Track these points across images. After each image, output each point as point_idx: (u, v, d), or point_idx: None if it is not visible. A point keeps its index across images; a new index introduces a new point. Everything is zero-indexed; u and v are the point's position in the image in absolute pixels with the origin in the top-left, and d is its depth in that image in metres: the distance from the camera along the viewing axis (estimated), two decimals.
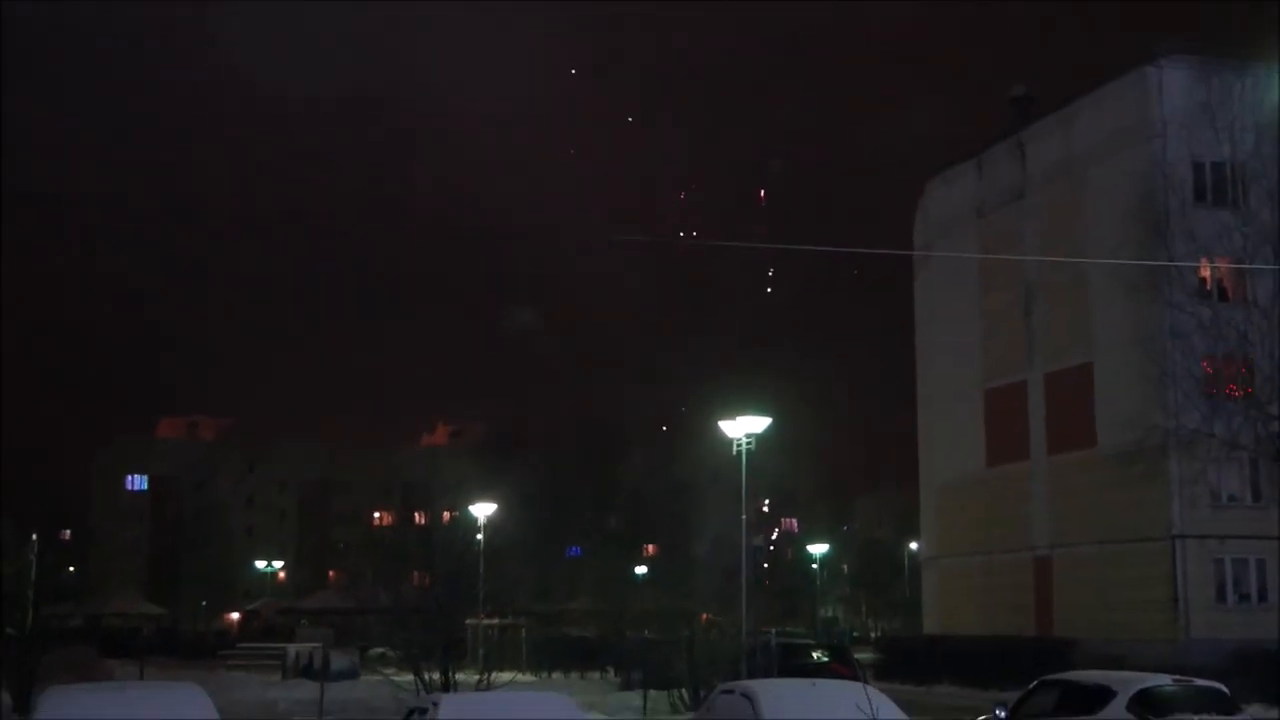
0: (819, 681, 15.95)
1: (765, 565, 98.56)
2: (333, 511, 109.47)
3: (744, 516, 31.95)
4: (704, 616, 40.58)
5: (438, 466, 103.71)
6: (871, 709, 11.66)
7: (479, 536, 36.93)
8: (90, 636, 41.45)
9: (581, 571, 71.71)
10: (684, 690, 29.47)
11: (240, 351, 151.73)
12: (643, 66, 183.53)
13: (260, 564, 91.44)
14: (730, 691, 15.30)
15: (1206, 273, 38.52)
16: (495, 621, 45.15)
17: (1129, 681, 16.98)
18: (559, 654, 48.80)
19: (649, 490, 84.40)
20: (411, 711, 14.42)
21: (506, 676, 31.83)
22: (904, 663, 43.87)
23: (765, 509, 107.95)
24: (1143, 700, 16.22)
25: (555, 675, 45.25)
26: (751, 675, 25.29)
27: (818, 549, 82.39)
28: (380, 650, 39.16)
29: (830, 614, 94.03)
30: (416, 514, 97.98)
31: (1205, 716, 16.09)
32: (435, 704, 13.78)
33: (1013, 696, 18.50)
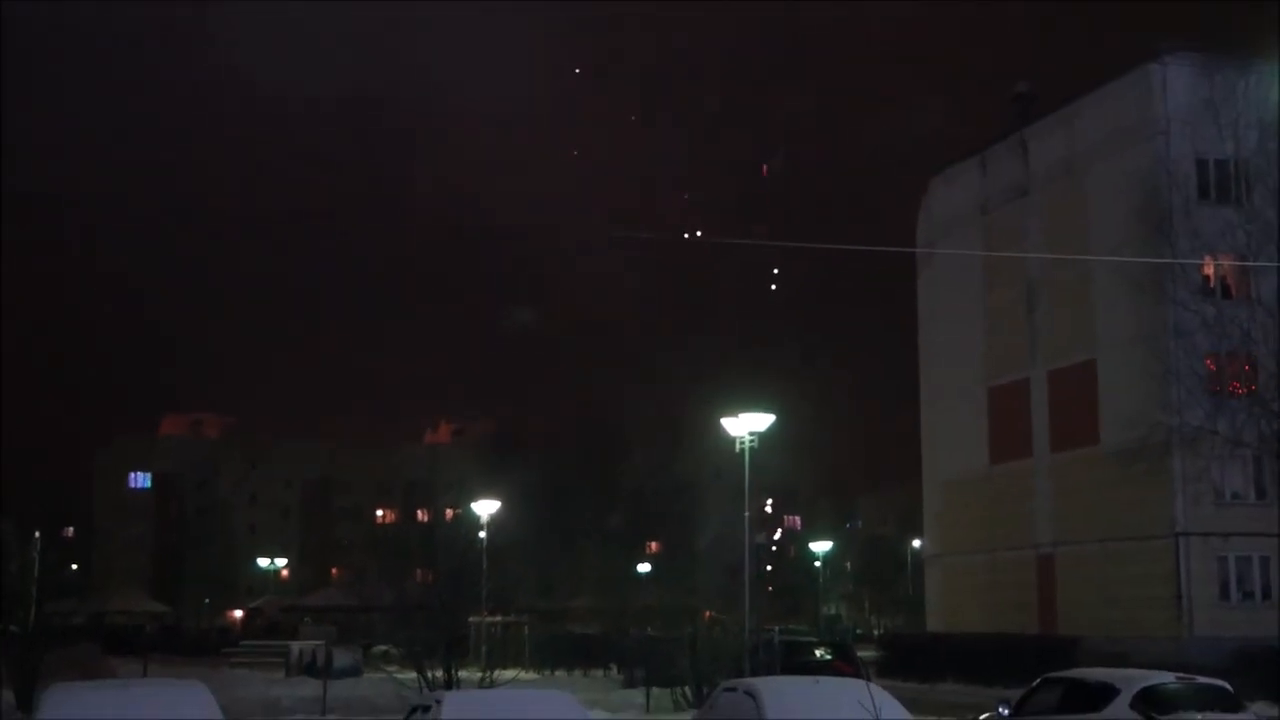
0: (822, 679, 15.92)
1: (768, 564, 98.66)
2: (335, 509, 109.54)
3: (747, 514, 32.03)
4: (707, 614, 40.51)
5: (440, 465, 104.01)
6: (874, 707, 11.61)
7: (482, 534, 36.99)
8: (93, 634, 41.51)
9: (584, 569, 71.57)
10: (687, 688, 29.43)
11: (241, 350, 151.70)
12: (643, 66, 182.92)
13: (263, 561, 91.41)
14: (733, 689, 15.26)
15: (1210, 270, 38.48)
16: (498, 619, 45.08)
17: (1132, 679, 16.93)
18: (562, 651, 48.74)
19: (651, 488, 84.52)
20: (414, 709, 14.39)
21: (509, 674, 31.76)
22: (907, 660, 43.83)
23: (768, 507, 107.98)
24: (1146, 698, 16.18)
25: (558, 673, 45.18)
26: (754, 673, 25.31)
27: (820, 546, 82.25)
28: (383, 648, 39.10)
29: (833, 612, 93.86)
30: (419, 512, 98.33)
31: (1209, 714, 16.05)
32: (438, 701, 13.73)
33: (1016, 694, 18.44)
